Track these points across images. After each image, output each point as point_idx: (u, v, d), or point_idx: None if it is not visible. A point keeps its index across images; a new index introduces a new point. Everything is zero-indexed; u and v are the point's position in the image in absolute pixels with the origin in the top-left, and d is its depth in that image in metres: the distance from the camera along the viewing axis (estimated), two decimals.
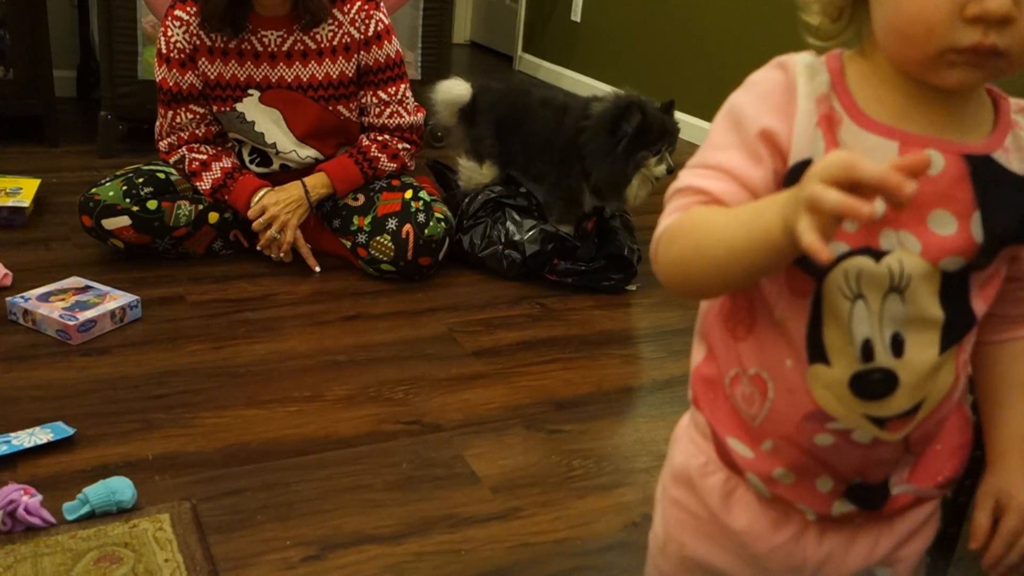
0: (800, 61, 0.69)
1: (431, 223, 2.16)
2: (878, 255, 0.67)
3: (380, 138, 2.24)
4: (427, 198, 2.21)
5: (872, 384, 0.69)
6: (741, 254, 0.63)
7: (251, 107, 2.16)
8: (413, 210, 2.17)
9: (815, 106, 0.67)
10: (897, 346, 0.69)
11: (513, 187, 2.44)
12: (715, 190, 0.68)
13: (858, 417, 0.71)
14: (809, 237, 0.55)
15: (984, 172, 0.68)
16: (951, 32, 0.62)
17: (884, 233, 0.67)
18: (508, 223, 2.26)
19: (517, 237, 2.24)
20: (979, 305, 0.72)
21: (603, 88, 4.38)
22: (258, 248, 2.23)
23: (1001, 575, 0.79)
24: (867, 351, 0.69)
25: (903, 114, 0.68)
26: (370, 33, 2.14)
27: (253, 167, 2.26)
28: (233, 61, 2.12)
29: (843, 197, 0.54)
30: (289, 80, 2.14)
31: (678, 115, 4.07)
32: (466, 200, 2.34)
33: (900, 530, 0.80)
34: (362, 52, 2.16)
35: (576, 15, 4.56)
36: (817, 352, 0.70)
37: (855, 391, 0.70)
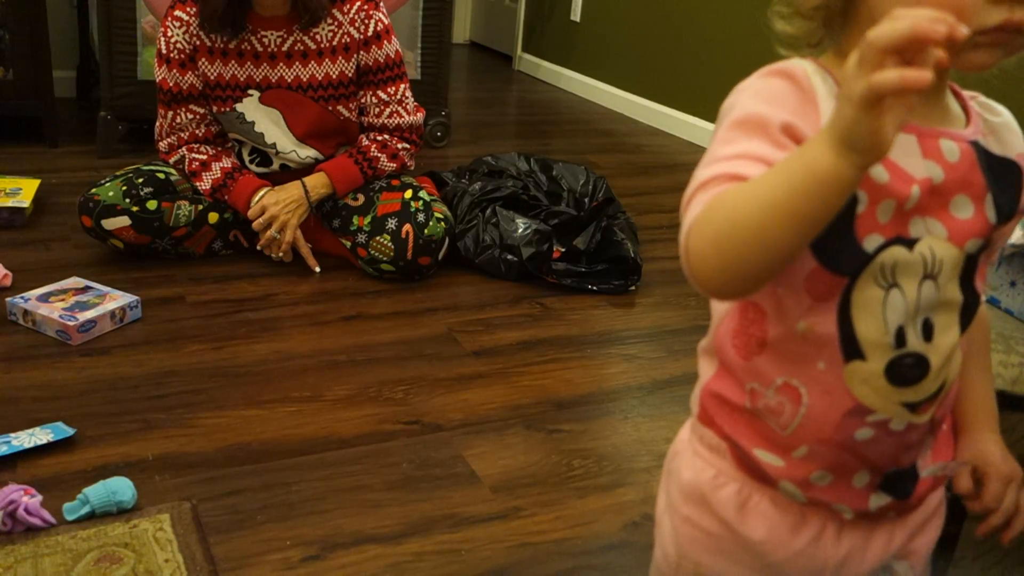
0: (807, 65, 0.69)
1: (431, 223, 2.16)
2: (910, 243, 0.68)
3: (380, 138, 2.24)
4: (427, 198, 2.21)
5: (906, 369, 0.70)
6: (784, 205, 0.58)
7: (251, 107, 2.17)
8: (413, 210, 2.17)
9: None
10: (927, 331, 0.70)
11: (496, 178, 2.43)
12: (749, 172, 0.63)
13: (895, 405, 0.71)
14: (892, 76, 0.51)
15: (984, 157, 0.71)
16: (978, 13, 0.63)
17: (913, 221, 0.68)
18: (500, 223, 2.26)
19: (512, 240, 2.23)
20: (980, 284, 0.74)
21: (603, 88, 4.40)
22: (258, 248, 2.23)
23: (1009, 537, 0.81)
24: (900, 338, 0.70)
25: None
26: (370, 33, 2.14)
27: (253, 167, 2.26)
28: (233, 61, 2.12)
29: (902, 71, 0.51)
30: (289, 80, 2.14)
31: (677, 114, 4.09)
32: (452, 203, 2.33)
33: (913, 521, 0.80)
34: (362, 52, 2.16)
35: (576, 15, 4.56)
36: (852, 349, 0.70)
37: (891, 380, 0.71)
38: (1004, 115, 0.75)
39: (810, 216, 0.58)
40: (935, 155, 0.69)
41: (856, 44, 0.70)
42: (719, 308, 0.79)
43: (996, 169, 0.71)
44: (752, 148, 0.65)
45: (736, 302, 0.76)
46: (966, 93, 0.75)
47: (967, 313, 0.72)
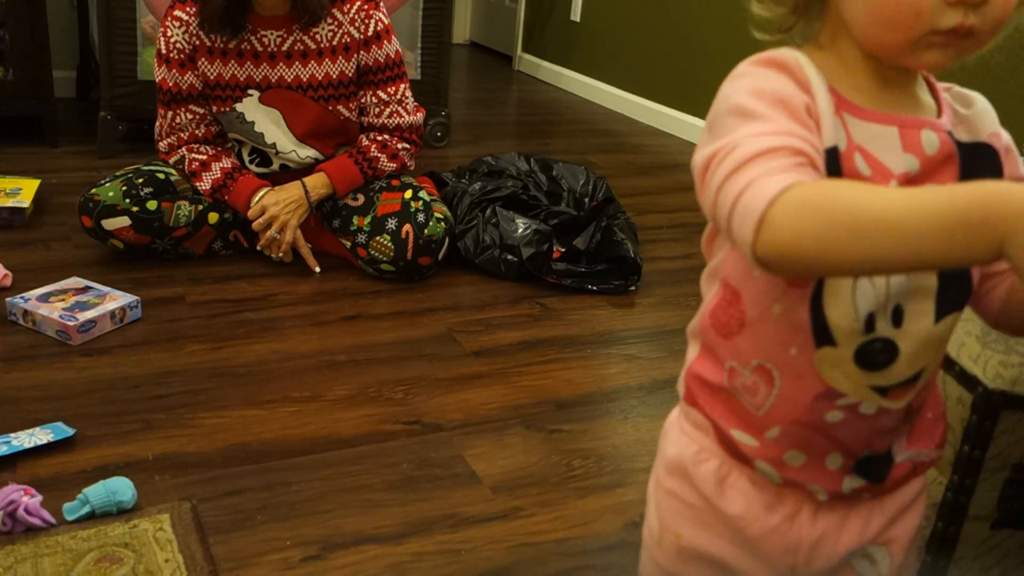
0: (798, 55, 0.70)
1: (431, 223, 2.16)
2: None
3: (380, 138, 2.24)
4: (427, 198, 2.21)
5: (874, 354, 0.71)
6: (930, 258, 0.58)
7: (251, 107, 2.17)
8: (413, 210, 2.17)
9: (830, 96, 0.69)
10: (897, 317, 0.71)
11: (496, 178, 2.43)
12: (809, 152, 0.64)
13: (864, 389, 0.73)
14: None
15: (960, 146, 0.72)
16: (935, 15, 0.65)
17: None
18: (500, 223, 2.26)
19: (512, 240, 2.23)
20: (975, 272, 0.74)
21: (603, 88, 4.40)
22: (258, 248, 2.23)
23: None
24: (869, 324, 0.71)
25: (878, 99, 0.71)
26: (370, 33, 2.14)
27: (253, 167, 2.26)
28: (233, 61, 2.12)
29: None
30: (289, 80, 2.14)
31: (677, 114, 4.09)
32: (452, 203, 2.33)
33: (890, 507, 0.81)
34: (362, 52, 2.16)
35: (575, 15, 4.56)
36: (823, 336, 0.71)
37: (860, 364, 0.72)
38: (977, 104, 0.76)
39: (943, 267, 0.64)
40: (915, 148, 0.70)
41: (829, 34, 0.71)
42: (708, 289, 0.80)
43: (974, 158, 0.73)
44: (792, 127, 0.65)
45: (719, 282, 0.77)
46: (940, 85, 0.76)
47: (945, 299, 0.72)
